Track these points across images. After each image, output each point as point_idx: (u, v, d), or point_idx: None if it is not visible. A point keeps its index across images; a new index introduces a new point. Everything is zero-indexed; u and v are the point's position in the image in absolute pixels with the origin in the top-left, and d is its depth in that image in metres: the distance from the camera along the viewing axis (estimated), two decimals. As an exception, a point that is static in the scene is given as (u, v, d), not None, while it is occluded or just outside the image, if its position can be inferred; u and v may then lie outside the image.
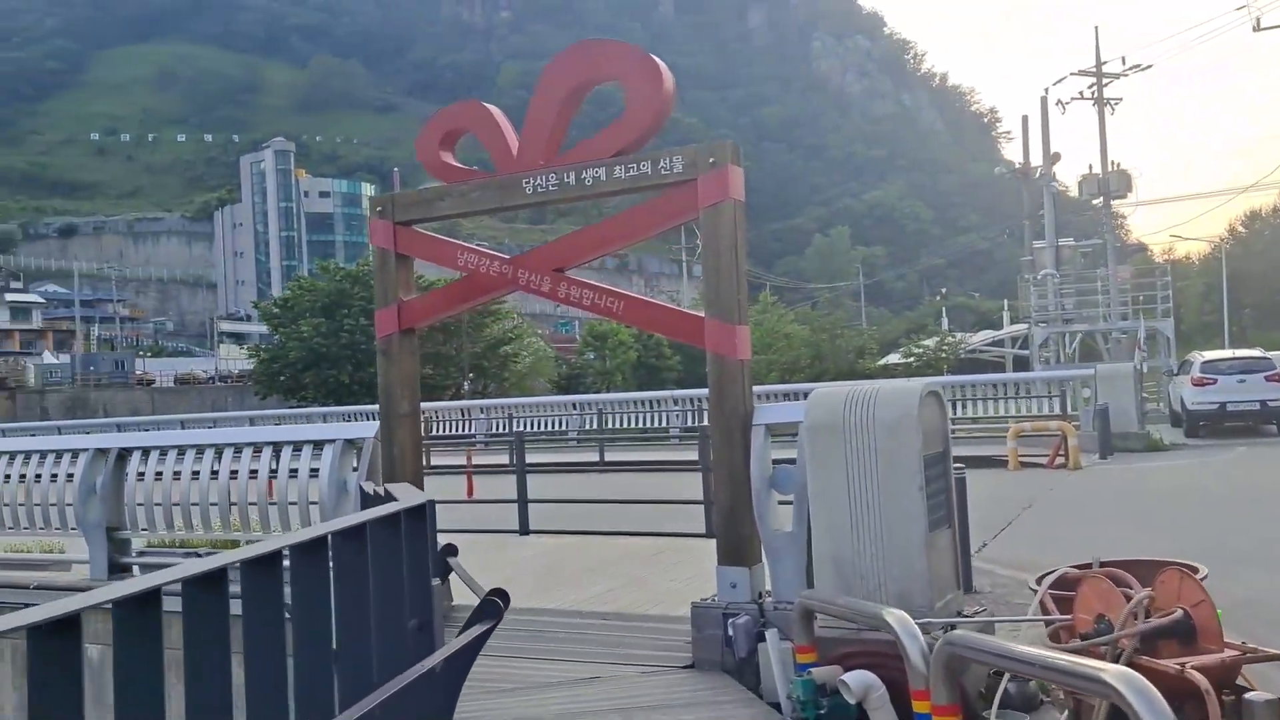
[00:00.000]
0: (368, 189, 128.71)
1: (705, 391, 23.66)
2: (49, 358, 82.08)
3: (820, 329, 45.46)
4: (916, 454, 5.52)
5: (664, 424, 25.11)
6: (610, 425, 25.58)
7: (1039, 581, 5.22)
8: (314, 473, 7.71)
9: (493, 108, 7.15)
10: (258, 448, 8.02)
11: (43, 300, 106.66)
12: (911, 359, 43.28)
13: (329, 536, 2.69)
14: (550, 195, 6.77)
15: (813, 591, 5.38)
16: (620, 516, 11.76)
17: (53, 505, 8.73)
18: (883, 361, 46.49)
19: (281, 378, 39.66)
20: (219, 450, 8.16)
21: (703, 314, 6.41)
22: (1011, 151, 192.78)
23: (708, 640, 6.15)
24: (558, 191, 6.73)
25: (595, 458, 21.15)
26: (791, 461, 6.38)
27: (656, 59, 6.49)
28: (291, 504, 7.82)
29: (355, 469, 7.66)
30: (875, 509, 5.59)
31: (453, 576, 7.61)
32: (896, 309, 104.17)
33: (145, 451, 8.44)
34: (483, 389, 39.74)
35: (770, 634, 5.67)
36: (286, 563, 2.80)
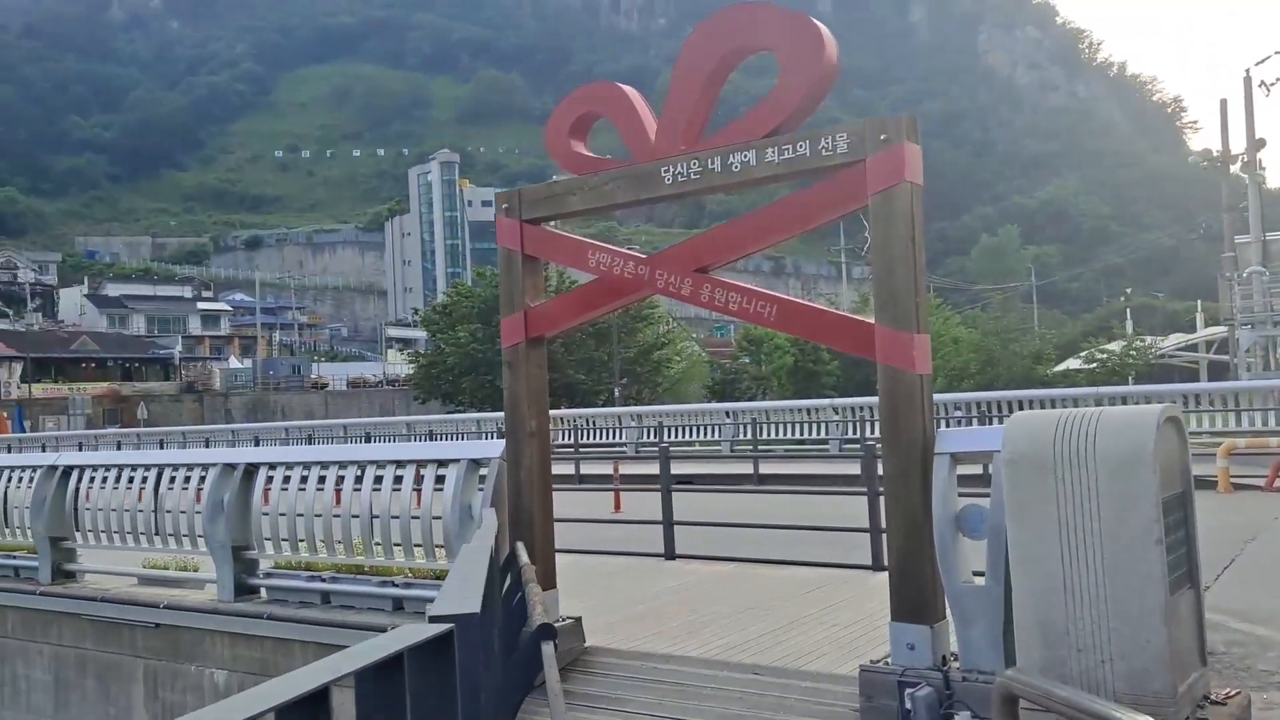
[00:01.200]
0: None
1: (869, 400, 22.26)
2: (234, 363, 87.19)
3: (991, 332, 42.74)
4: (1153, 498, 4.34)
5: (823, 435, 23.81)
6: (766, 435, 24.47)
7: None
8: (441, 480, 7.12)
9: (627, 89, 6.33)
10: (381, 465, 7.45)
11: (230, 309, 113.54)
12: (1094, 365, 40.12)
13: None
14: (692, 184, 5.89)
15: (1018, 672, 4.26)
16: (775, 540, 10.77)
17: (183, 513, 8.47)
18: (1061, 367, 43.38)
19: (440, 383, 40.37)
20: (343, 467, 7.66)
21: (872, 320, 5.38)
22: (1199, 142, 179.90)
23: (880, 712, 5.12)
24: (701, 180, 5.84)
25: (748, 468, 20.14)
26: (983, 483, 5.29)
27: (816, 21, 5.51)
28: (414, 518, 7.24)
29: (481, 489, 7.02)
30: (1098, 566, 4.44)
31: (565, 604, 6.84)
32: (1072, 311, 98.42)
33: (271, 468, 8.05)
34: (635, 395, 39.29)
35: (961, 717, 4.60)
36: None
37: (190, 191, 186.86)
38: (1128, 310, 59.77)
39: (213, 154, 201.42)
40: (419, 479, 7.58)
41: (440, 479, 7.14)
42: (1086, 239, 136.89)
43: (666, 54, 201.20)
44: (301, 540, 7.78)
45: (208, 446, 31.69)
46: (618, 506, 15.49)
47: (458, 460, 6.96)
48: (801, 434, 24.44)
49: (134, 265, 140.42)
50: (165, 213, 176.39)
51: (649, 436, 25.81)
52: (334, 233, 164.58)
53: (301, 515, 7.75)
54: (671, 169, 5.94)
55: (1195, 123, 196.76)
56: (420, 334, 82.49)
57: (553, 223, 6.90)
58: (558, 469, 20.76)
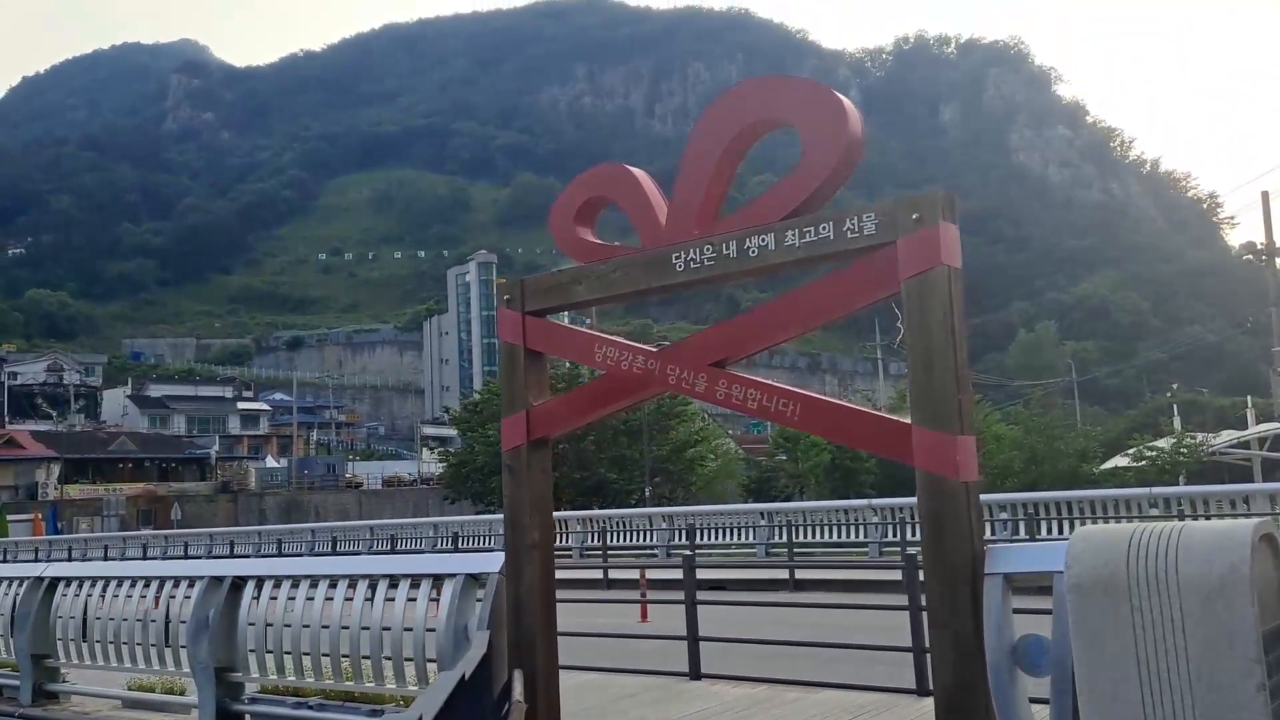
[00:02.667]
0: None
1: (910, 501, 21.39)
2: (271, 462, 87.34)
3: (1035, 429, 41.55)
4: (1252, 633, 3.62)
5: (862, 537, 22.84)
6: (802, 537, 23.50)
7: None
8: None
9: (636, 170, 5.91)
10: (373, 580, 6.85)
11: (269, 408, 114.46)
12: (1143, 462, 38.75)
13: None
14: (706, 271, 5.38)
15: None
16: (810, 657, 9.96)
17: (167, 625, 7.88)
18: (1109, 465, 41.96)
19: (470, 482, 39.87)
20: (333, 583, 7.06)
21: (908, 419, 4.77)
22: (1236, 237, 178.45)
23: None
24: (715, 266, 5.33)
25: (783, 572, 19.25)
26: (1044, 610, 4.60)
27: (838, 94, 5.06)
28: (407, 629, 6.59)
29: (480, 600, 6.38)
30: (1187, 714, 3.70)
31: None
32: (1114, 408, 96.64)
33: (259, 581, 7.46)
34: (669, 494, 38.42)
35: None
36: None
37: (235, 294, 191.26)
38: (1174, 406, 58.22)
39: (258, 258, 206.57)
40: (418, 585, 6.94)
41: (438, 591, 6.53)
42: (1126, 335, 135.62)
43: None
44: (288, 652, 7.14)
45: (232, 550, 31.27)
46: (644, 616, 14.70)
47: (454, 575, 6.35)
48: (839, 536, 23.49)
49: (178, 366, 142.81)
50: (210, 315, 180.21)
51: (681, 538, 24.92)
52: (373, 332, 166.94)
53: (289, 629, 7.13)
54: (683, 255, 5.44)
55: (1232, 218, 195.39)
56: (455, 432, 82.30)
57: (586, 317, 6.42)
58: (585, 575, 19.90)
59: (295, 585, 7.21)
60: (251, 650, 7.33)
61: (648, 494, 34.67)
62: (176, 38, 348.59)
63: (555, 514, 30.52)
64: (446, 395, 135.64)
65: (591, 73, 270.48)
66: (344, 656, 6.82)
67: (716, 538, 25.28)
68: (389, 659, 6.65)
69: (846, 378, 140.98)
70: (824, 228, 4.99)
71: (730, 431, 76.97)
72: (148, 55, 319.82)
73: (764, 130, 5.37)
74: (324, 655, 6.92)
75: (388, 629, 6.63)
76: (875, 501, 24.21)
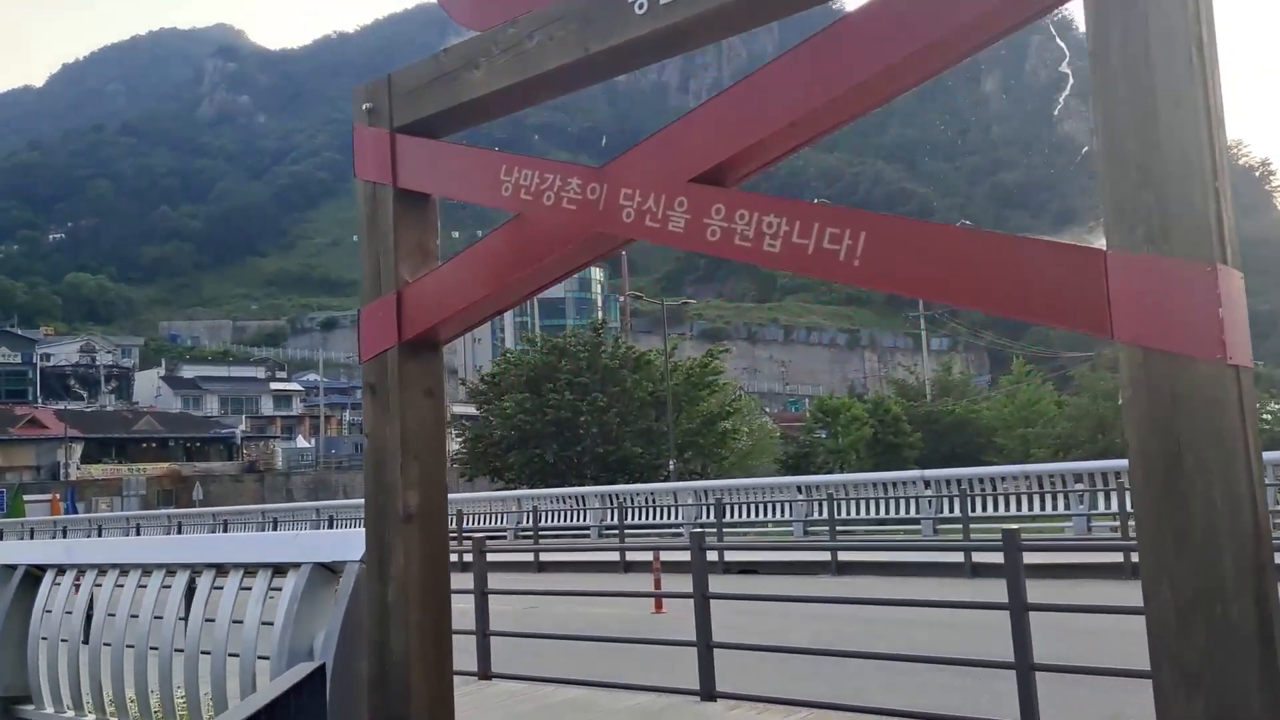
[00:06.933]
0: (597, 274, 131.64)
1: (968, 472, 18.69)
2: (301, 442, 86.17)
3: (1104, 394, 38.26)
4: None
5: (913, 513, 20.23)
6: (845, 514, 20.91)
7: None
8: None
9: None
10: (198, 570, 4.50)
11: (302, 389, 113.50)
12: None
13: None
14: (686, 9, 2.89)
15: None
16: (862, 669, 7.53)
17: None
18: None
19: (487, 457, 37.75)
20: (146, 573, 4.71)
21: (1101, 245, 2.27)
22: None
23: None
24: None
25: (825, 551, 16.78)
26: None
27: None
28: (237, 623, 4.24)
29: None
30: None
31: None
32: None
33: (61, 571, 5.14)
34: (700, 469, 35.95)
35: None
36: None
37: (271, 276, 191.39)
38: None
39: (293, 240, 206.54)
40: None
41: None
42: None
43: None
44: (88, 706, 4.80)
45: (225, 529, 29.35)
46: (659, 607, 12.37)
47: (298, 565, 3.96)
48: (887, 512, 20.92)
49: (213, 348, 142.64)
50: (246, 297, 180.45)
51: (708, 515, 22.44)
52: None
53: (93, 636, 4.82)
54: (647, -15, 2.96)
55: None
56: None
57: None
58: (599, 555, 17.20)
59: (103, 574, 4.89)
60: (45, 636, 5.01)
61: (671, 468, 32.19)
62: (212, 23, 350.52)
63: (572, 490, 28.11)
64: (479, 374, 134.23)
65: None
66: (158, 651, 4.47)
67: (748, 515, 22.77)
68: (210, 715, 4.29)
69: (887, 354, 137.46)
70: (912, -120, 2.48)
71: (767, 409, 74.45)
72: (184, 40, 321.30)
73: None
74: (129, 691, 4.58)
75: (230, 621, 4.29)
76: (928, 473, 21.59)
